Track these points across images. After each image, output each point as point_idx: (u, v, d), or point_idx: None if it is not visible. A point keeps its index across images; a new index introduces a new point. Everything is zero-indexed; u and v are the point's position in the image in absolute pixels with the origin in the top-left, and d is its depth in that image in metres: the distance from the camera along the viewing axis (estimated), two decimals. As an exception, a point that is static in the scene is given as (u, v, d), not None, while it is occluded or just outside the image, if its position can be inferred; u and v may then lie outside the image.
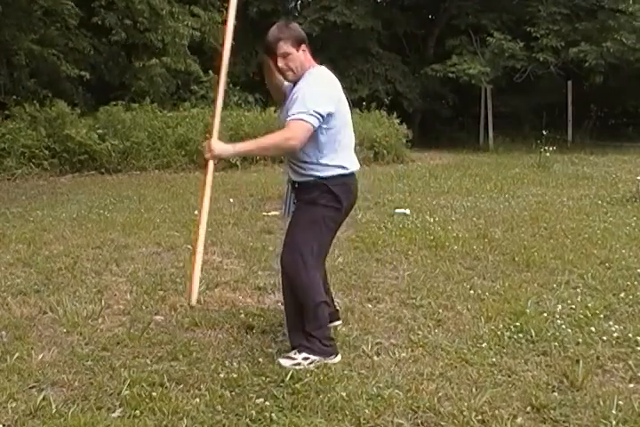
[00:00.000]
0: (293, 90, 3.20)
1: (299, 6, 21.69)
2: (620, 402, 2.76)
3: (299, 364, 3.16)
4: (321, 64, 3.28)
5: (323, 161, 3.19)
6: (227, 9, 3.21)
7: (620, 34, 17.00)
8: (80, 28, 13.65)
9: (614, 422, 2.62)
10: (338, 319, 3.63)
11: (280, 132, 3.11)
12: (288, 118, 3.08)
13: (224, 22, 3.26)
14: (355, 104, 16.47)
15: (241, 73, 17.87)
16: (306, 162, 3.21)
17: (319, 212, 3.22)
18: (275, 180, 9.34)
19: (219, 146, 3.09)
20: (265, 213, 7.37)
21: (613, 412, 2.69)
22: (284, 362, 3.18)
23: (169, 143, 12.53)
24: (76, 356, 3.29)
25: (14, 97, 12.52)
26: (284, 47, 3.12)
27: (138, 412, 2.70)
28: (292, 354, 3.22)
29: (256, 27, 19.74)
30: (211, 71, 14.97)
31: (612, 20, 17.38)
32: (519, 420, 2.65)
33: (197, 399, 2.81)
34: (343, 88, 3.28)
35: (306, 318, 3.25)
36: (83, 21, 13.28)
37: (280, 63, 3.15)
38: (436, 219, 7.06)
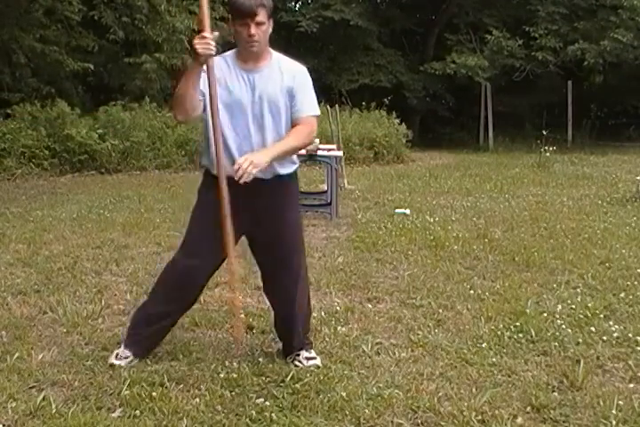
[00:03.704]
0: (262, 73, 3.01)
1: (299, 4, 21.75)
2: (620, 402, 2.76)
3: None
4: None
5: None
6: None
7: (617, 32, 16.97)
8: (81, 26, 13.64)
9: (614, 422, 2.62)
10: None
11: (305, 128, 3.06)
12: (309, 113, 3.06)
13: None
14: (354, 103, 16.49)
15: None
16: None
17: (298, 210, 3.25)
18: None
19: (258, 159, 2.85)
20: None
21: (613, 412, 2.69)
22: (319, 362, 3.20)
23: (169, 143, 12.53)
24: (76, 356, 3.29)
25: (17, 95, 12.53)
26: (263, 15, 2.89)
27: (138, 412, 2.70)
28: (313, 353, 3.25)
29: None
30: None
31: (613, 17, 17.35)
32: (519, 420, 2.65)
33: (197, 399, 2.81)
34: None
35: (308, 318, 3.36)
36: (84, 19, 13.28)
37: (253, 30, 2.89)
38: (436, 219, 7.06)
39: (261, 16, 2.90)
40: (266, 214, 3.11)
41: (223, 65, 3.04)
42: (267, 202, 3.08)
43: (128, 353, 3.21)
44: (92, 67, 13.02)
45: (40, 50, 12.46)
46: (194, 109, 3.00)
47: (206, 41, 2.85)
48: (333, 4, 18.95)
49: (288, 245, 3.18)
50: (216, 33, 2.93)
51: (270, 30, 3.01)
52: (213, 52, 2.89)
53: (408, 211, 7.55)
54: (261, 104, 3.01)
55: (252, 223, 3.12)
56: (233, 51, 3.10)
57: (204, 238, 3.11)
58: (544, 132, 14.04)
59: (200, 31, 2.90)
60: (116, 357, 3.20)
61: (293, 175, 3.18)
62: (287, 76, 3.05)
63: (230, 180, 2.98)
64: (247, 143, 3.03)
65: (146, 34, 13.70)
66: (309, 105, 3.09)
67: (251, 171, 2.83)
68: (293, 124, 3.08)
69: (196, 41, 2.86)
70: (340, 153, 7.90)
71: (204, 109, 3.01)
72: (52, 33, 13.12)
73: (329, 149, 7.45)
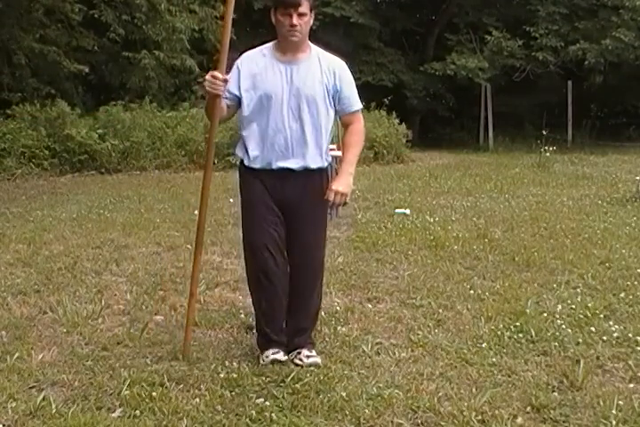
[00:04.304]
0: (300, 66, 3.09)
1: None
2: (620, 402, 2.76)
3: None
4: None
5: (325, 148, 3.22)
6: (224, 3, 3.18)
7: (619, 31, 16.98)
8: (81, 26, 13.65)
9: (614, 422, 2.61)
10: None
11: (359, 126, 3.22)
12: (358, 107, 3.20)
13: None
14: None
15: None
16: (320, 149, 3.18)
17: (324, 208, 3.24)
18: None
19: (344, 186, 3.08)
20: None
21: (613, 412, 2.68)
22: (319, 360, 3.20)
23: (169, 143, 12.52)
24: (76, 356, 3.30)
25: (18, 94, 12.54)
26: (306, 6, 3.00)
27: (138, 412, 2.70)
28: (314, 352, 3.25)
29: (256, 23, 19.82)
30: (210, 70, 14.91)
31: (614, 17, 17.34)
32: (519, 420, 2.65)
33: (197, 399, 2.81)
34: None
35: (317, 316, 3.41)
36: (84, 19, 13.28)
37: (295, 20, 2.98)
38: (436, 219, 7.05)
39: (304, 7, 2.99)
40: (293, 208, 3.16)
41: (260, 58, 3.12)
42: (295, 196, 3.13)
43: (275, 350, 3.22)
44: (86, 70, 13.04)
45: (39, 50, 12.47)
46: (225, 115, 3.17)
47: (215, 82, 2.98)
48: (334, 1, 18.97)
49: (310, 242, 3.22)
50: (227, 76, 3.02)
51: (311, 22, 3.08)
52: (220, 93, 3.01)
53: (408, 211, 7.55)
54: (298, 97, 3.07)
55: (283, 213, 3.17)
56: (272, 43, 3.17)
57: (260, 223, 3.15)
58: (544, 132, 14.04)
59: (215, 69, 3.02)
60: (273, 353, 3.19)
61: (324, 171, 3.22)
62: (327, 70, 3.12)
63: (262, 172, 3.11)
64: (281, 135, 3.08)
65: (145, 33, 13.70)
66: (356, 99, 3.21)
67: (344, 200, 3.09)
68: (343, 119, 3.22)
69: (207, 77, 2.98)
70: (340, 153, 7.86)
71: (239, 106, 3.12)
72: (53, 33, 13.13)
73: (329, 149, 7.44)
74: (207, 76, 2.99)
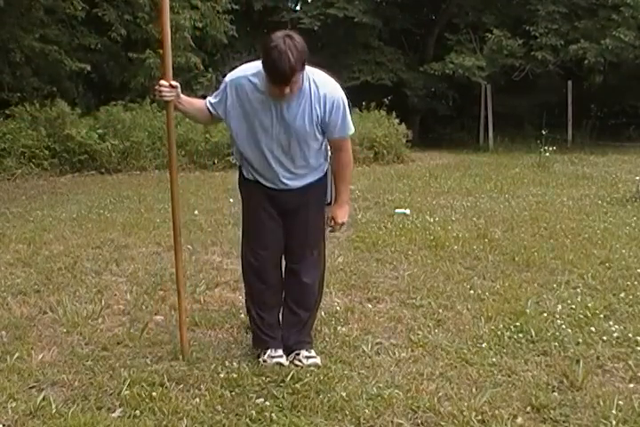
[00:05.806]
0: (291, 104, 2.98)
1: (299, 4, 21.73)
2: (620, 402, 2.76)
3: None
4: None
5: (320, 163, 3.26)
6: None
7: (619, 31, 16.97)
8: (83, 25, 13.65)
9: (614, 422, 2.62)
10: None
11: (347, 159, 3.21)
12: (343, 134, 3.12)
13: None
14: (355, 102, 16.47)
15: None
16: (311, 167, 3.21)
17: (322, 210, 3.29)
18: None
19: (347, 216, 3.26)
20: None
21: (613, 412, 2.69)
22: (318, 360, 3.22)
23: (169, 143, 12.50)
24: (76, 356, 3.30)
25: (18, 94, 12.54)
26: (297, 76, 2.84)
27: (138, 412, 2.71)
28: (313, 353, 3.26)
29: (256, 23, 19.79)
30: (211, 69, 14.92)
31: (615, 15, 17.31)
32: (519, 420, 2.65)
33: (197, 399, 2.81)
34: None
35: (315, 316, 3.44)
36: (86, 17, 13.28)
37: (287, 90, 2.85)
38: (436, 219, 7.05)
39: (295, 77, 2.84)
40: (293, 211, 3.21)
41: (250, 89, 3.01)
42: (295, 203, 3.20)
43: (277, 352, 3.24)
44: (88, 68, 13.03)
45: (40, 49, 12.47)
46: (210, 119, 3.26)
47: (161, 89, 3.05)
48: (336, 1, 18.94)
49: (310, 243, 3.26)
50: (175, 83, 3.09)
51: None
52: (169, 100, 3.08)
53: (408, 211, 7.55)
54: (288, 135, 3.04)
55: (283, 215, 3.23)
56: (263, 71, 2.92)
57: (262, 228, 3.21)
58: (544, 132, 14.03)
59: (161, 78, 3.11)
60: (273, 355, 3.21)
61: (323, 178, 3.26)
62: (318, 104, 3.00)
63: (261, 185, 3.19)
64: (272, 169, 3.12)
65: (148, 32, 13.70)
66: (346, 126, 3.12)
67: (344, 227, 3.36)
68: (331, 141, 3.16)
69: (155, 87, 3.08)
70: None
71: (226, 117, 3.12)
72: (53, 32, 13.13)
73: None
74: (155, 86, 3.06)
